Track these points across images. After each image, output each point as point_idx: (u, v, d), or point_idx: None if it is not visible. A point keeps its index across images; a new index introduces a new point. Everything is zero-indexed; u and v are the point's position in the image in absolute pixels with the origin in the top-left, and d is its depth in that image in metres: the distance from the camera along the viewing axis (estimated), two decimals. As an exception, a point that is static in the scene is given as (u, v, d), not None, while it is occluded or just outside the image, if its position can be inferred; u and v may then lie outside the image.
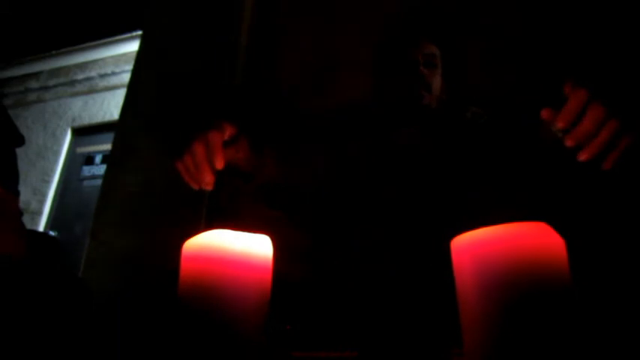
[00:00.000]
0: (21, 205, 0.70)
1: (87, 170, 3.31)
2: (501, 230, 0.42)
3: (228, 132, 0.71)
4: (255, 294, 0.48)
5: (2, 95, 3.66)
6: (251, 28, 1.28)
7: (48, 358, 0.61)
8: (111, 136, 1.40)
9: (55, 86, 3.64)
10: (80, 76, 3.57)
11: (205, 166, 0.67)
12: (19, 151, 0.80)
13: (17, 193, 0.75)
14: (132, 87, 1.34)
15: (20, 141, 0.80)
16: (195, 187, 0.69)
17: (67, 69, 3.63)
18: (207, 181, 0.67)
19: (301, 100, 1.17)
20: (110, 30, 3.42)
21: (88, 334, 0.65)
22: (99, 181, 2.60)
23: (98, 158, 3.31)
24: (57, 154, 3.42)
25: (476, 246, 0.43)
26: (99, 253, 1.12)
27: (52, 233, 2.98)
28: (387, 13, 1.07)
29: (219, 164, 0.67)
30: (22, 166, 0.80)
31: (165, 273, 0.60)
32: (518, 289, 0.40)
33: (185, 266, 0.49)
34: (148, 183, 1.17)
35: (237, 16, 1.27)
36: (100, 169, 3.21)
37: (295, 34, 1.26)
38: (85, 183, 3.27)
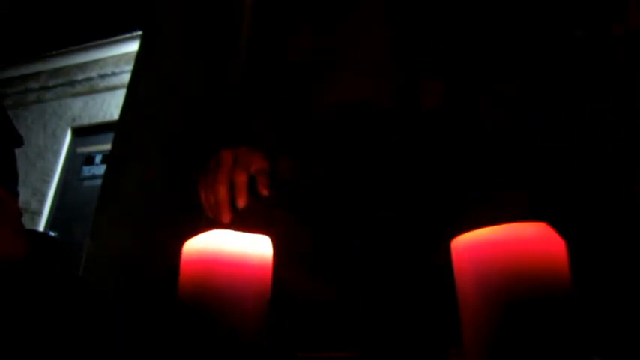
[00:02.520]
0: (21, 205, 0.70)
1: (87, 170, 3.31)
2: (501, 230, 0.42)
3: (255, 167, 0.72)
4: (255, 294, 0.48)
5: (2, 95, 3.66)
6: (251, 28, 1.28)
7: (48, 359, 0.61)
8: (111, 136, 1.40)
9: (55, 86, 3.64)
10: (80, 77, 3.57)
11: (226, 208, 0.69)
12: (19, 151, 0.80)
13: (17, 194, 0.75)
14: (132, 87, 1.34)
15: (19, 142, 0.80)
16: (210, 216, 0.71)
17: (67, 69, 3.63)
18: (226, 221, 0.69)
19: (301, 99, 1.17)
20: (110, 30, 3.42)
21: (88, 334, 0.65)
22: (99, 181, 2.60)
23: (98, 158, 3.31)
24: (57, 154, 3.42)
25: (476, 246, 0.43)
26: (99, 253, 1.12)
27: (52, 233, 2.98)
28: (388, 13, 1.07)
29: (242, 204, 0.68)
30: (22, 166, 0.80)
31: (166, 273, 0.60)
32: (518, 289, 0.40)
33: (185, 266, 0.49)
34: (147, 183, 1.17)
35: (237, 16, 1.27)
36: (100, 170, 3.21)
37: (295, 34, 1.26)
38: (85, 183, 3.27)
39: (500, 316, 0.40)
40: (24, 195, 3.10)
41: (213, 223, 0.83)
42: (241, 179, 0.70)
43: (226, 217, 0.69)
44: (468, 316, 0.43)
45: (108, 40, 3.49)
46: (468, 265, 0.43)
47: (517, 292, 0.40)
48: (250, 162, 0.73)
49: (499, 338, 0.40)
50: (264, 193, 0.72)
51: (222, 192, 0.69)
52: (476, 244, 0.43)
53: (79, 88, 3.56)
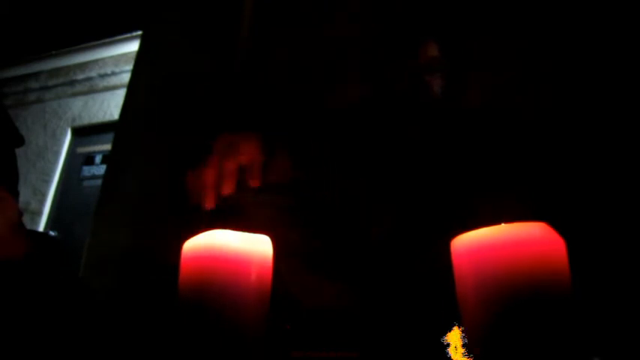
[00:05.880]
0: (21, 205, 0.70)
1: (87, 170, 3.30)
2: (501, 230, 0.42)
3: (248, 156, 0.70)
4: (255, 294, 0.48)
5: (2, 95, 3.66)
6: (251, 28, 1.28)
7: (48, 359, 0.61)
8: (111, 136, 1.40)
9: (55, 86, 3.64)
10: (80, 76, 3.56)
11: (210, 194, 0.67)
12: (19, 151, 0.80)
13: (17, 194, 0.75)
14: (132, 87, 1.34)
15: (20, 141, 0.80)
16: (194, 202, 0.70)
17: (67, 69, 3.63)
18: (209, 207, 0.67)
19: (302, 98, 1.16)
20: (110, 30, 3.42)
21: (87, 333, 0.65)
22: (99, 181, 2.60)
23: (98, 158, 3.31)
24: (57, 154, 3.42)
25: (476, 246, 0.43)
26: (99, 253, 1.12)
27: (52, 233, 2.98)
28: (390, 12, 1.07)
29: (226, 192, 0.67)
30: (22, 166, 0.80)
31: (166, 273, 0.60)
32: (518, 289, 0.40)
33: (185, 266, 0.49)
34: (147, 183, 1.17)
35: (237, 16, 1.27)
36: (100, 169, 3.20)
37: (295, 33, 1.26)
38: (85, 183, 3.27)
39: (500, 316, 0.40)
40: (24, 195, 3.10)
41: (213, 223, 0.83)
42: (229, 166, 0.67)
43: (210, 203, 0.67)
44: (468, 317, 0.43)
45: (108, 39, 3.49)
46: (468, 266, 0.43)
47: (517, 292, 0.40)
48: (244, 150, 0.70)
49: (499, 338, 0.40)
50: (253, 184, 0.69)
51: (209, 177, 0.67)
52: (476, 244, 0.43)
53: (78, 87, 3.56)
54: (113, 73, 3.46)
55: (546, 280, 0.40)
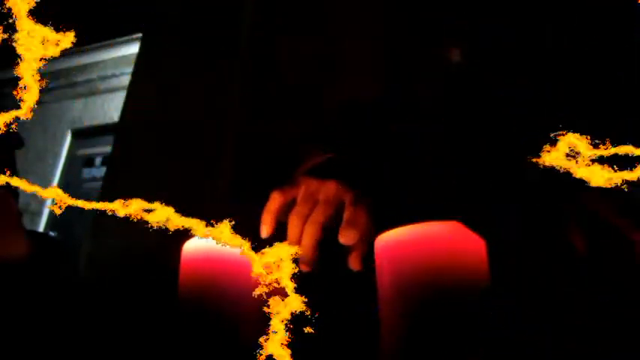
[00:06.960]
0: (21, 206, 0.70)
1: (87, 172, 3.31)
2: (416, 229, 0.42)
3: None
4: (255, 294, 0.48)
5: (2, 96, 3.67)
6: (251, 29, 1.28)
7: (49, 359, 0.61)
8: (111, 138, 1.40)
9: (55, 88, 3.64)
10: (80, 78, 3.57)
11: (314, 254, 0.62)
12: (19, 152, 0.80)
13: (17, 195, 0.75)
14: (132, 89, 1.34)
15: (19, 143, 0.80)
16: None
17: (67, 71, 3.63)
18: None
19: (303, 101, 1.17)
20: (110, 32, 3.42)
21: (88, 334, 0.65)
22: (99, 183, 2.60)
23: (98, 160, 3.31)
24: (57, 156, 3.42)
25: (392, 244, 0.43)
26: (99, 254, 1.12)
27: (52, 234, 2.98)
28: (390, 11, 1.07)
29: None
30: (23, 167, 0.80)
31: (166, 273, 0.60)
32: (430, 287, 0.40)
33: (185, 266, 0.50)
34: (147, 184, 1.17)
35: (237, 17, 1.28)
36: (100, 171, 3.21)
37: (295, 34, 1.26)
38: (85, 185, 3.27)
39: (413, 314, 0.40)
40: (24, 196, 3.09)
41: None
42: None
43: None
44: (385, 315, 0.43)
45: (108, 42, 3.49)
46: (386, 264, 0.43)
47: (429, 290, 0.40)
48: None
49: (415, 334, 0.40)
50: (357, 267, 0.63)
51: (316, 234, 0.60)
52: (392, 242, 0.43)
53: (79, 90, 3.56)
54: (113, 76, 3.46)
55: (460, 279, 0.40)
